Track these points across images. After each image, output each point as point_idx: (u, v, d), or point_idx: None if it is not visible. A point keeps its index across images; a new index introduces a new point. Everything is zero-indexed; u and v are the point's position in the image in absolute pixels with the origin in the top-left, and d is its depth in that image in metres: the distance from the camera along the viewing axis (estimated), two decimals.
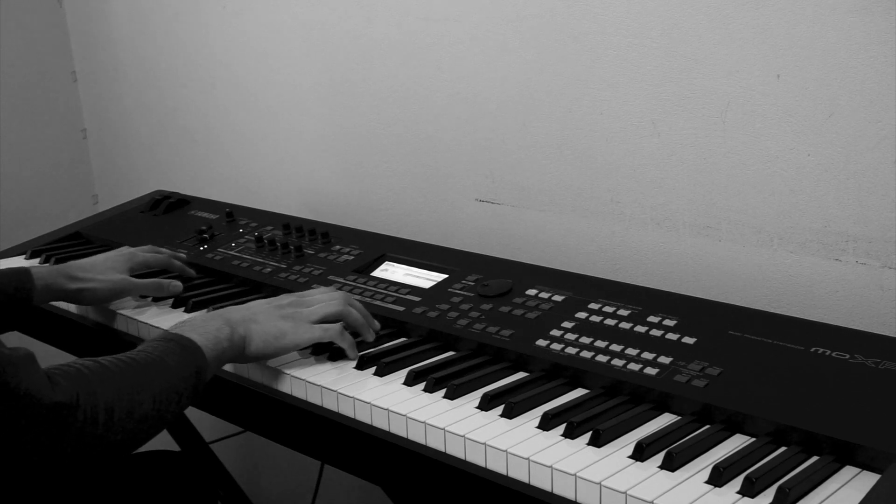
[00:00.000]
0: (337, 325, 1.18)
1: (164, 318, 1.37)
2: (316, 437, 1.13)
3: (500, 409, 1.02)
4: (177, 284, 1.44)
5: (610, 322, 1.16)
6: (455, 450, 0.98)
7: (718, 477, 0.86)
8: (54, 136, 2.61)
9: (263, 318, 1.16)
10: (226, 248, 1.63)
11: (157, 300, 1.45)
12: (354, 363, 1.17)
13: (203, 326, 1.11)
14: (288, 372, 1.16)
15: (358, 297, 1.34)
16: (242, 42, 2.06)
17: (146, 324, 1.36)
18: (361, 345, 1.22)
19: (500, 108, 1.58)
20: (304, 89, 1.95)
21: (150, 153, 2.46)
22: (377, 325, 1.26)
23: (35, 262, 1.72)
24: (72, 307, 1.50)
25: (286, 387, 1.16)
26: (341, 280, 1.42)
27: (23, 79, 2.52)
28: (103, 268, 1.42)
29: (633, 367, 1.06)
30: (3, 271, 1.37)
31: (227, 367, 1.22)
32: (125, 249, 1.50)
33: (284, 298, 1.23)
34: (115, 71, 2.48)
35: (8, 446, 0.89)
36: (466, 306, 1.26)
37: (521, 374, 1.13)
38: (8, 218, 2.48)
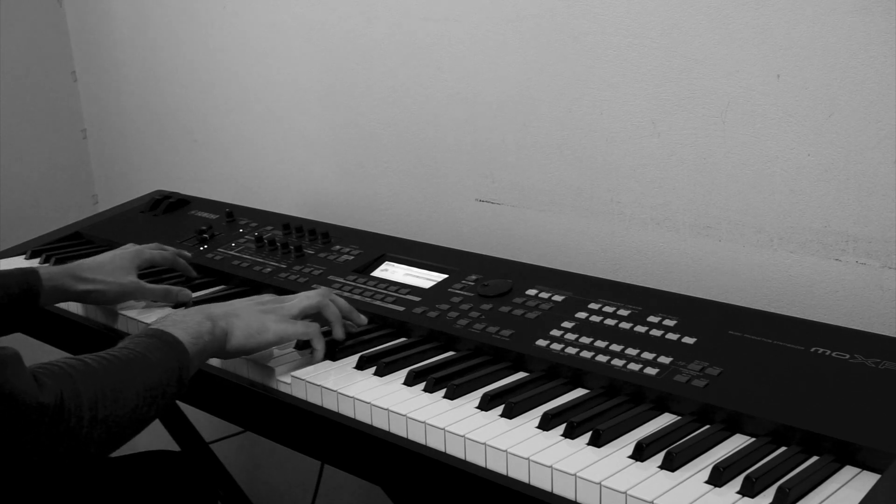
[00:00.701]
0: (317, 325, 1.19)
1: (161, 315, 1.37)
2: (316, 437, 1.13)
3: (500, 409, 1.02)
4: (186, 293, 1.43)
5: (610, 322, 1.16)
6: (455, 450, 0.98)
7: (718, 477, 0.86)
8: (54, 136, 2.61)
9: (245, 313, 1.17)
10: (226, 248, 1.63)
11: None
12: (354, 363, 1.17)
13: (184, 321, 1.11)
14: (288, 372, 1.16)
15: (358, 297, 1.35)
16: (242, 42, 2.06)
17: (147, 325, 1.36)
18: (366, 345, 1.22)
19: (500, 108, 1.58)
20: (304, 89, 1.95)
21: (150, 153, 2.46)
22: (363, 319, 1.26)
23: (35, 262, 1.72)
24: (74, 308, 1.50)
25: (286, 387, 1.16)
26: (341, 280, 1.42)
27: (23, 79, 2.52)
28: (111, 268, 1.42)
29: (633, 367, 1.06)
30: (11, 272, 1.36)
31: (227, 367, 1.22)
32: (131, 247, 1.49)
33: (265, 296, 1.24)
34: (115, 71, 2.48)
35: None
36: (466, 306, 1.26)
37: (521, 374, 1.13)
38: (8, 218, 2.48)
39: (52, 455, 0.93)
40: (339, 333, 1.22)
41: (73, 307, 1.51)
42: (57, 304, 1.49)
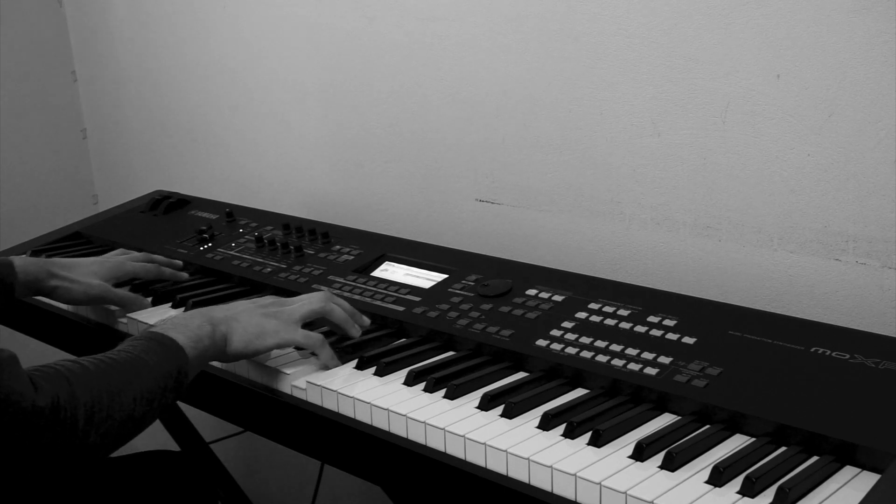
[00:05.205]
0: (319, 336, 1.17)
1: (162, 317, 1.36)
2: (316, 437, 1.13)
3: (500, 409, 1.02)
4: (146, 304, 1.42)
5: (610, 322, 1.16)
6: (455, 450, 0.98)
7: (718, 477, 0.86)
8: (54, 136, 2.61)
9: (245, 317, 1.16)
10: (226, 248, 1.63)
11: (156, 301, 1.45)
12: (354, 363, 1.17)
13: (184, 324, 1.11)
14: (288, 372, 1.16)
15: (358, 297, 1.35)
16: (242, 42, 2.06)
17: (144, 322, 1.36)
18: (366, 345, 1.22)
19: (500, 108, 1.58)
20: (303, 89, 1.95)
21: (150, 153, 2.46)
22: (366, 321, 1.26)
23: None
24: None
25: (286, 387, 1.15)
26: (341, 280, 1.42)
27: (23, 79, 2.52)
28: (85, 271, 1.41)
29: (633, 367, 1.06)
30: None
31: (227, 367, 1.22)
32: (116, 257, 1.48)
33: (267, 298, 1.23)
34: (115, 71, 2.48)
35: None
36: (466, 306, 1.26)
37: (521, 374, 1.13)
38: (8, 218, 2.48)
39: (47, 458, 0.92)
40: (355, 332, 1.21)
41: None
42: (51, 301, 1.48)
